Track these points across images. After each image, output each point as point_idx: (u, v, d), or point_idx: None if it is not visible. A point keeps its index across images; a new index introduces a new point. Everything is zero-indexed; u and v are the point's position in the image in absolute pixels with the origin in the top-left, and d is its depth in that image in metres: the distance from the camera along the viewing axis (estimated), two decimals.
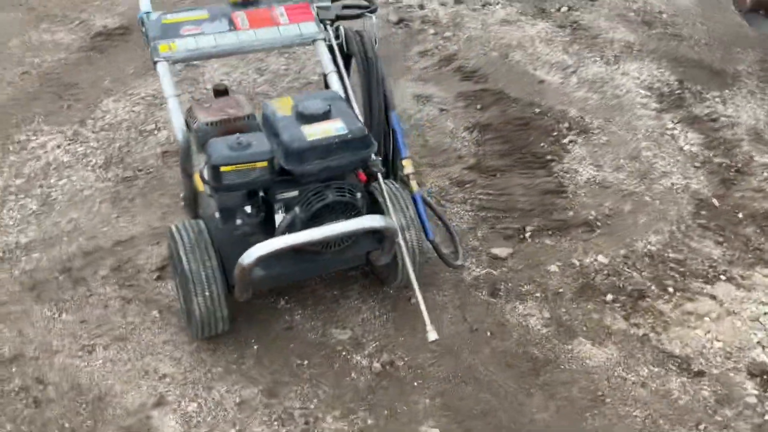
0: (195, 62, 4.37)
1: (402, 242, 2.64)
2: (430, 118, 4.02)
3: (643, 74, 4.39)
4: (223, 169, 2.44)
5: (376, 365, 2.68)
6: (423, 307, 2.55)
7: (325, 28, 3.02)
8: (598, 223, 3.33)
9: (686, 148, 3.79)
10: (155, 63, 2.80)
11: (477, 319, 2.87)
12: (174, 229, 2.67)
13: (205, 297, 2.56)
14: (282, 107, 2.65)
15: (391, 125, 3.00)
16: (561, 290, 3.00)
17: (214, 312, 2.59)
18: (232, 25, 2.90)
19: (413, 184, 2.93)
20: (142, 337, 2.79)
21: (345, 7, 3.20)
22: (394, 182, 2.92)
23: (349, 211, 2.62)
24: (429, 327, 2.53)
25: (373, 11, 3.22)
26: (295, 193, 2.59)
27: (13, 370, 2.66)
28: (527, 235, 3.26)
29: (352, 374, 2.66)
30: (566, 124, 3.95)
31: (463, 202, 3.44)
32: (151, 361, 2.70)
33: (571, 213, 3.39)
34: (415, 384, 2.63)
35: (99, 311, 2.89)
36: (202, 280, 2.55)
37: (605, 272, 3.08)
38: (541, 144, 3.80)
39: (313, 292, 2.97)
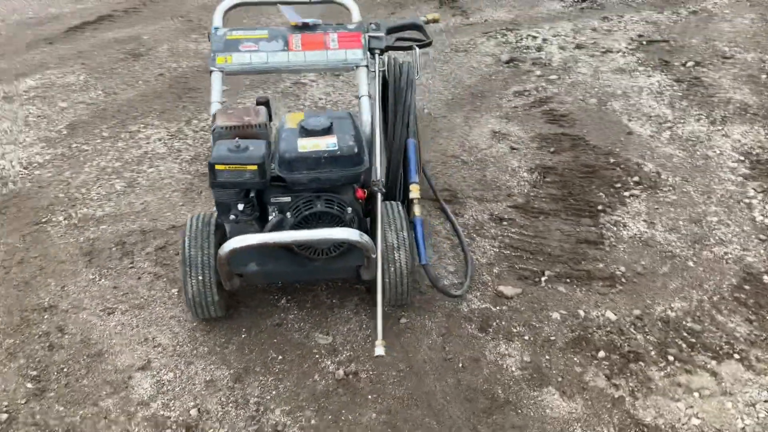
0: (302, 81, 4.75)
1: (378, 260, 2.75)
2: (499, 155, 4.05)
3: (746, 138, 4.12)
4: (217, 167, 2.70)
5: (340, 372, 2.80)
6: (380, 321, 2.63)
7: (373, 57, 3.21)
8: (624, 280, 3.19)
9: (759, 219, 3.51)
10: (211, 72, 3.17)
11: (455, 349, 2.89)
12: (189, 217, 2.97)
13: (198, 281, 2.82)
14: (292, 120, 2.88)
15: (407, 151, 3.13)
16: (553, 338, 2.93)
17: (205, 296, 2.85)
18: (286, 46, 3.18)
19: (416, 208, 3.02)
20: (155, 310, 3.11)
21: (399, 39, 3.38)
22: (399, 204, 3.01)
23: (336, 222, 2.78)
24: (378, 342, 2.59)
25: (427, 45, 3.37)
26: (287, 198, 2.80)
27: (45, 317, 3.09)
28: (543, 279, 3.21)
29: (315, 376, 2.79)
30: (636, 178, 3.81)
31: (493, 237, 3.45)
32: (154, 330, 3.02)
33: (600, 265, 3.28)
34: (369, 397, 2.71)
35: (132, 282, 3.27)
36: (197, 265, 2.81)
37: (608, 329, 2.96)
38: (600, 194, 3.70)
39: (315, 297, 3.15)
